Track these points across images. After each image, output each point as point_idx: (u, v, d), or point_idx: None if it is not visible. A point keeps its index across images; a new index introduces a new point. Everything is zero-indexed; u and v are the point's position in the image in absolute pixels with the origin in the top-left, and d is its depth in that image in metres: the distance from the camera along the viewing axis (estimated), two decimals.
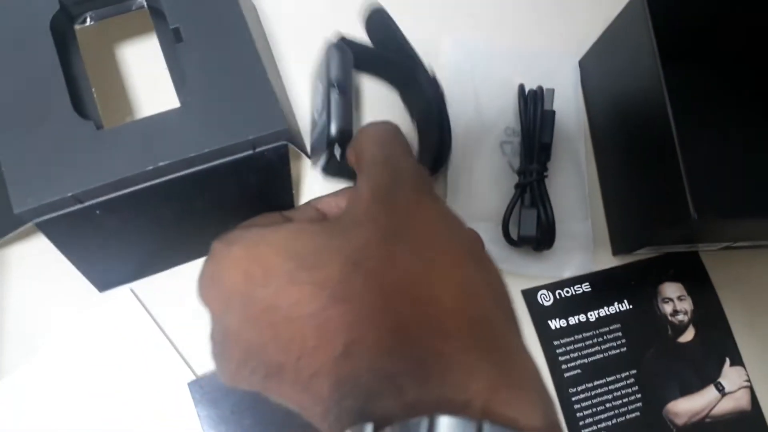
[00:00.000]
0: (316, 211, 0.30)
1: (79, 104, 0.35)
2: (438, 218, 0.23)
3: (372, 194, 0.24)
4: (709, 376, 0.46)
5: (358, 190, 0.25)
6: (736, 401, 0.45)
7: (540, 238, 0.43)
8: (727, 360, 0.46)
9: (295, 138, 0.41)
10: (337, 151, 0.32)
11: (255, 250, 0.23)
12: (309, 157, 0.46)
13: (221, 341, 0.23)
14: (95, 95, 0.36)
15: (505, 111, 0.49)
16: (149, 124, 0.35)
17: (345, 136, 0.32)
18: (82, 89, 0.36)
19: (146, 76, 0.45)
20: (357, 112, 0.29)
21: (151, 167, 0.34)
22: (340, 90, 0.33)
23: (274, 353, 0.20)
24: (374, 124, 0.28)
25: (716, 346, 0.46)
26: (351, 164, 0.28)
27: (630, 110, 0.45)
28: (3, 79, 0.35)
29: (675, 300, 0.47)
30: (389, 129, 0.28)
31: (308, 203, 0.31)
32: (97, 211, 0.35)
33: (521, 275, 0.45)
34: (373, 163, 0.26)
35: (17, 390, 0.39)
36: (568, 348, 0.44)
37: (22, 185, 0.33)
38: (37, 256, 0.41)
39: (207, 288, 0.25)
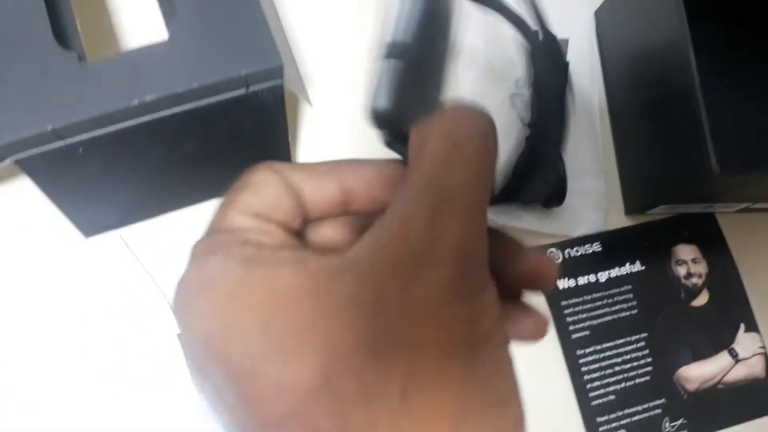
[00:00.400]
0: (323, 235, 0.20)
1: (61, 33, 0.33)
2: (463, 376, 0.15)
3: (386, 255, 0.16)
4: (722, 342, 0.44)
5: (383, 228, 0.16)
6: (750, 368, 0.43)
7: (550, 194, 0.41)
8: (742, 326, 0.44)
9: (292, 79, 0.39)
10: (384, 137, 0.18)
11: (228, 312, 0.16)
12: (309, 102, 0.44)
13: (190, 369, 0.19)
14: (78, 24, 0.34)
15: (516, 62, 0.46)
16: (136, 56, 0.33)
17: (388, 119, 0.18)
18: (65, 17, 0.34)
19: (133, 5, 0.42)
20: (449, 74, 0.18)
21: (136, 102, 0.32)
22: (399, 54, 0.20)
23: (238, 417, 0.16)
24: (463, 112, 0.17)
25: (731, 311, 0.44)
26: (410, 158, 0.18)
27: (650, 64, 0.42)
28: None
29: (689, 262, 0.45)
30: (483, 132, 0.17)
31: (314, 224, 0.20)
32: (80, 150, 0.33)
33: (530, 232, 0.43)
34: (423, 191, 0.16)
35: None
36: (576, 309, 0.42)
37: (1, 117, 0.31)
38: (20, 197, 0.39)
39: (179, 316, 0.19)
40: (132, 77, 0.32)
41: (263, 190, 0.19)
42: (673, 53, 0.39)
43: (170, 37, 0.33)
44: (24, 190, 0.39)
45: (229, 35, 0.34)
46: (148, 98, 0.32)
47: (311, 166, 0.20)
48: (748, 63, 0.38)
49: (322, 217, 0.20)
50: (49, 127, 0.31)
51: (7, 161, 0.33)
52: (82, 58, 0.32)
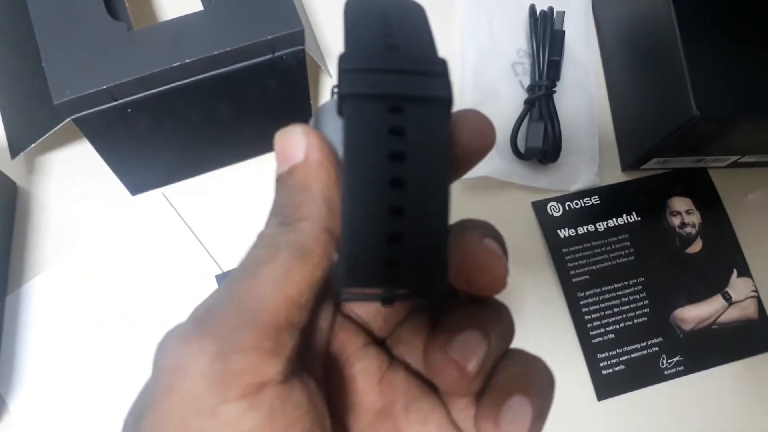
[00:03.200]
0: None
1: (112, 7, 0.38)
2: None
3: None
4: (716, 286, 0.47)
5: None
6: (743, 310, 0.46)
7: (546, 150, 0.45)
8: (735, 271, 0.47)
9: (313, 48, 0.43)
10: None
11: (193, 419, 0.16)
12: (329, 74, 0.48)
13: None
14: (126, 0, 0.39)
15: (517, 33, 0.50)
16: (175, 25, 0.37)
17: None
18: None
19: None
20: None
21: (177, 63, 0.37)
22: None
23: None
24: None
25: (724, 258, 0.47)
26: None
27: (639, 27, 0.46)
28: None
29: (683, 213, 0.48)
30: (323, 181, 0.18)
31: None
32: (129, 110, 0.38)
33: (531, 188, 0.47)
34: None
35: (54, 284, 0.42)
36: (576, 255, 0.46)
37: (60, 80, 0.36)
38: (76, 160, 0.44)
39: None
40: (172, 43, 0.37)
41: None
42: (657, 11, 0.42)
43: (204, 8, 0.38)
44: (81, 154, 0.44)
45: (256, 5, 0.38)
46: (187, 60, 0.37)
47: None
48: (727, 20, 0.41)
49: None
50: (104, 87, 0.36)
51: (67, 120, 0.38)
52: (129, 27, 0.37)
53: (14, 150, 0.41)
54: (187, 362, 0.16)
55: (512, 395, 0.18)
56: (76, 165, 0.44)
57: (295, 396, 0.17)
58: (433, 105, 0.16)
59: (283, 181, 0.18)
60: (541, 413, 0.19)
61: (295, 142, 0.18)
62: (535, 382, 0.19)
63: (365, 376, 0.21)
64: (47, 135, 0.39)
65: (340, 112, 0.16)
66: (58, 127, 0.38)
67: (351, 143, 0.15)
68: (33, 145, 0.39)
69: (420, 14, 0.19)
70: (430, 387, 0.21)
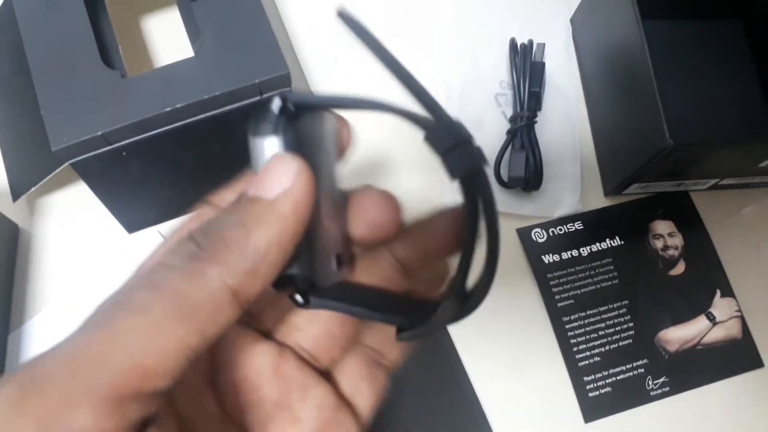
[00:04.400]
0: None
1: (107, 56, 0.40)
2: None
3: None
4: (700, 307, 0.48)
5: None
6: (727, 330, 0.47)
7: (528, 178, 0.47)
8: (718, 291, 0.48)
9: (298, 83, 0.45)
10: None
11: None
12: None
13: None
14: (120, 49, 0.41)
15: (499, 66, 0.52)
16: (167, 71, 0.39)
17: None
18: (109, 44, 0.41)
19: (164, 30, 0.49)
20: None
21: (169, 108, 0.38)
22: None
23: None
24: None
25: (707, 279, 0.49)
26: None
27: (615, 58, 0.48)
28: (42, 36, 0.40)
29: (666, 236, 0.49)
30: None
31: None
32: (124, 153, 0.40)
33: (515, 215, 0.48)
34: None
35: (55, 321, 0.43)
36: (561, 280, 0.47)
37: (58, 127, 0.38)
38: (75, 202, 0.46)
39: None
40: (164, 89, 0.39)
41: None
42: (631, 47, 0.44)
43: (195, 55, 0.40)
44: (80, 195, 0.46)
45: (244, 51, 0.40)
46: (178, 105, 0.38)
47: None
48: (697, 52, 0.43)
49: None
50: (99, 133, 0.38)
51: (65, 164, 0.39)
52: (123, 75, 0.39)
53: (15, 193, 0.43)
54: None
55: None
56: (75, 206, 0.46)
57: None
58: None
59: (236, 203, 0.16)
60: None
61: (281, 173, 0.16)
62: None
63: (258, 372, 0.20)
64: (47, 179, 0.40)
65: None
66: (57, 171, 0.40)
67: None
68: (33, 188, 0.41)
69: None
70: (320, 373, 0.21)
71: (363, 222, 0.19)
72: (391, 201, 0.19)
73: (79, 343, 0.14)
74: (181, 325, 0.14)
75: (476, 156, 0.17)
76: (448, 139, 0.17)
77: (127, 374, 0.14)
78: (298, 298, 0.19)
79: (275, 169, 0.17)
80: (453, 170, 0.17)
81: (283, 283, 0.18)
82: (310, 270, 0.18)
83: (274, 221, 0.16)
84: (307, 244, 0.18)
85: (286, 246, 0.16)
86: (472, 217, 0.17)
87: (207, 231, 0.16)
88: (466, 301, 0.18)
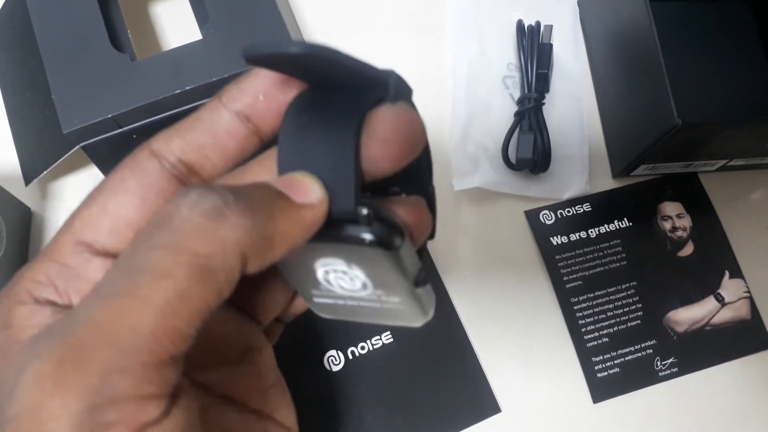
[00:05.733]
0: None
1: (116, 40, 0.40)
2: None
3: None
4: (708, 288, 0.48)
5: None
6: (735, 311, 0.47)
7: (536, 160, 0.47)
8: (727, 273, 0.48)
9: None
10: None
11: None
12: None
13: None
14: (130, 33, 0.41)
15: (507, 48, 0.52)
16: (176, 54, 0.40)
17: None
18: (119, 28, 0.41)
19: (173, 14, 0.50)
20: None
21: (178, 91, 0.39)
22: None
23: None
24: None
25: (715, 260, 0.48)
26: None
27: (623, 39, 0.48)
28: (52, 21, 0.40)
29: (674, 217, 0.49)
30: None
31: None
32: (134, 136, 0.40)
33: (523, 197, 0.48)
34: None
35: None
36: (569, 262, 0.47)
37: (69, 110, 0.38)
38: (86, 185, 0.46)
39: None
40: (173, 71, 0.39)
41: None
42: (639, 28, 0.44)
43: (203, 38, 0.40)
44: (91, 178, 0.47)
45: (251, 33, 0.40)
46: (187, 88, 0.39)
47: None
48: (705, 32, 0.43)
49: None
50: (110, 116, 0.38)
51: (76, 147, 0.40)
52: (133, 58, 0.40)
53: (28, 177, 0.43)
54: (46, 421, 0.13)
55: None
56: (87, 190, 0.46)
57: (181, 423, 0.15)
58: None
59: (262, 189, 0.16)
60: None
61: (309, 187, 0.17)
62: None
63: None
64: (58, 162, 0.41)
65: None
66: (68, 154, 0.40)
67: None
68: (45, 172, 0.42)
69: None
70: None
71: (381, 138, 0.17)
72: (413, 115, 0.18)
73: (108, 311, 0.14)
74: (204, 287, 0.14)
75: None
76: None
77: (163, 338, 0.14)
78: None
79: (304, 182, 0.17)
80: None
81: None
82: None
83: (295, 220, 0.16)
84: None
85: (294, 243, 0.16)
86: None
87: (237, 192, 0.16)
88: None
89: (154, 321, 0.14)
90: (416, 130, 0.18)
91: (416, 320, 0.21)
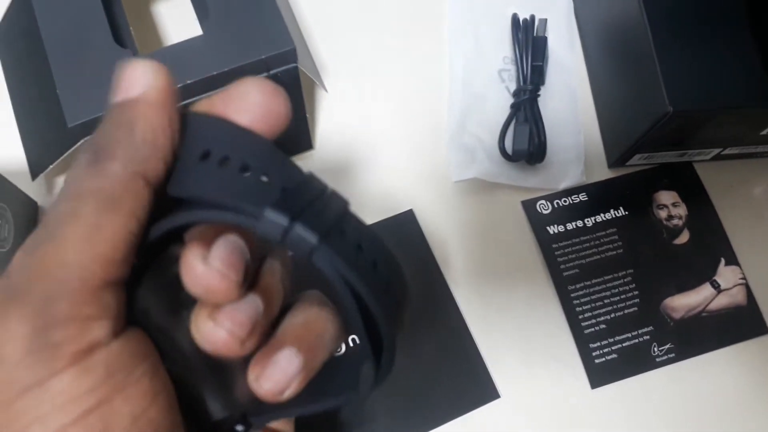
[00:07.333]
0: None
1: (119, 36, 0.41)
2: None
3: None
4: (704, 275, 0.48)
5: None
6: (731, 297, 0.48)
7: (532, 151, 0.47)
8: (722, 260, 0.49)
9: (306, 65, 0.46)
10: None
11: None
12: (325, 89, 0.51)
13: None
14: (132, 30, 0.42)
15: (503, 42, 0.53)
16: (177, 49, 0.41)
17: None
18: (121, 25, 0.42)
19: (173, 11, 0.51)
20: None
21: (179, 85, 0.40)
22: None
23: None
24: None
25: (711, 248, 0.49)
26: None
27: (616, 30, 0.48)
28: (56, 18, 0.41)
29: (670, 206, 0.50)
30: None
31: None
32: None
33: (520, 188, 0.49)
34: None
35: None
36: (566, 250, 0.48)
37: (73, 105, 0.39)
38: None
39: None
40: (174, 66, 0.40)
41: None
42: (631, 18, 0.45)
43: (204, 33, 0.41)
44: None
45: (251, 28, 0.41)
46: (188, 82, 0.40)
47: None
48: (696, 21, 0.43)
49: None
50: None
51: (81, 141, 0.41)
52: (135, 53, 0.41)
53: (34, 172, 0.44)
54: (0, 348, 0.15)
55: (283, 348, 0.19)
56: None
57: (131, 347, 0.16)
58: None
59: (110, 113, 0.18)
60: (309, 364, 0.19)
61: (138, 75, 0.18)
62: (313, 333, 0.19)
63: None
64: (64, 156, 0.42)
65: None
66: (74, 148, 0.41)
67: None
68: (51, 166, 0.43)
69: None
70: None
71: (247, 109, 0.18)
72: (274, 89, 0.18)
73: (33, 258, 0.16)
74: (115, 214, 0.16)
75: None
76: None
77: (91, 265, 0.15)
78: (239, 428, 0.19)
79: (132, 73, 0.18)
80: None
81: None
82: (231, 407, 0.19)
83: (148, 111, 0.17)
84: (217, 382, 0.19)
85: (170, 124, 0.17)
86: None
87: (95, 141, 0.17)
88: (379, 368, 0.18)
89: (77, 253, 0.15)
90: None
91: None
